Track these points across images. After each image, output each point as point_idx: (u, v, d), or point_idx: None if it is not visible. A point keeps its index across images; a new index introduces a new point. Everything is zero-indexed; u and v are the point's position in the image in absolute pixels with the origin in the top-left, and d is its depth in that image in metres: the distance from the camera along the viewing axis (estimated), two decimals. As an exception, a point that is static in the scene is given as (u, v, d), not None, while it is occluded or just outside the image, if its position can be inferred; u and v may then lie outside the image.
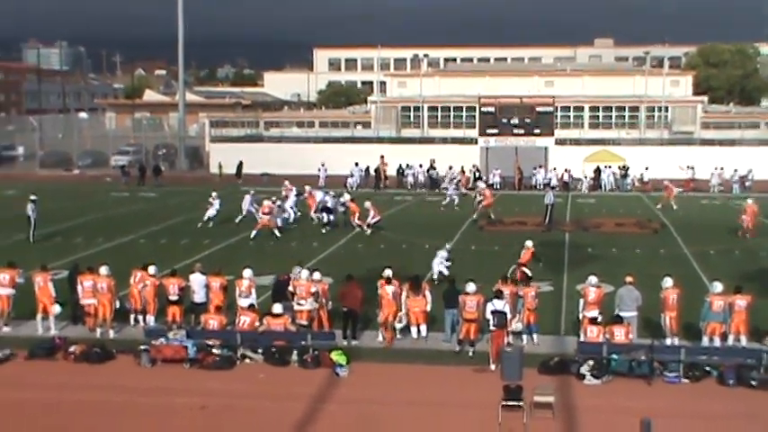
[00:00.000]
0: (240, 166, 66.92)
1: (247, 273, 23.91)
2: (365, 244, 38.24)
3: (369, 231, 40.21)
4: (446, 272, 28.60)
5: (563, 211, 48.61)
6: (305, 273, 23.76)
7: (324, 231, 40.51)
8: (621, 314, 21.82)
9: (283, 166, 67.60)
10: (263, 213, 39.54)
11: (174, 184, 63.75)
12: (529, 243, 29.06)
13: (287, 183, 46.60)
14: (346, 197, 42.93)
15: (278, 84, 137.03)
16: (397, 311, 22.82)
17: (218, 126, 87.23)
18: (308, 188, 44.98)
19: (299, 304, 22.80)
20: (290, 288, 23.40)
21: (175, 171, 74.41)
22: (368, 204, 41.16)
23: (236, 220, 42.50)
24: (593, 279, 23.02)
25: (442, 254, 29.84)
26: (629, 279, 23.25)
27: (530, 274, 26.10)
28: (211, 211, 42.46)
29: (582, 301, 22.70)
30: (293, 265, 25.06)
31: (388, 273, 23.37)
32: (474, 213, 46.19)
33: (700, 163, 64.69)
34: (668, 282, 22.62)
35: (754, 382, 19.19)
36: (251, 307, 22.92)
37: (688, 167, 63.97)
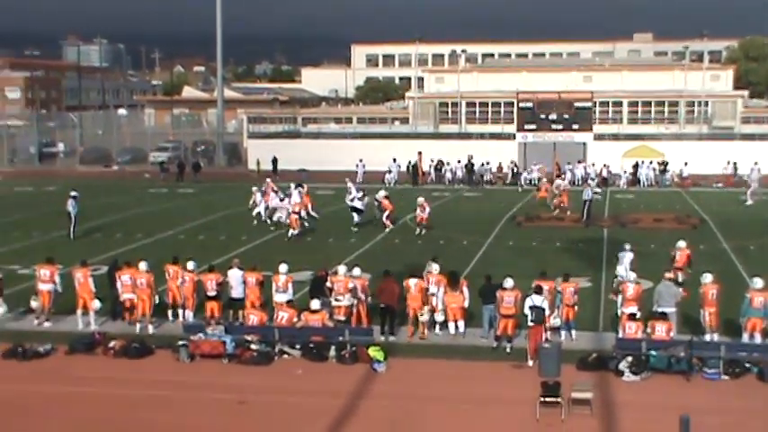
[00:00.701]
0: (275, 161, 67.17)
1: (283, 268, 23.95)
2: (402, 239, 38.24)
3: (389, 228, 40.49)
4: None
5: (601, 206, 48.33)
6: (342, 268, 23.81)
7: (355, 230, 40.15)
8: (661, 310, 21.65)
9: (321, 162, 67.91)
10: (294, 212, 39.29)
11: (213, 180, 64.18)
12: (682, 244, 27.85)
13: (268, 180, 46.01)
14: (381, 194, 42.19)
15: (315, 80, 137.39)
16: (423, 305, 22.81)
17: (256, 122, 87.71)
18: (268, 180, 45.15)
19: (336, 300, 22.85)
20: (328, 284, 23.45)
21: (214, 167, 74.90)
22: (420, 200, 40.69)
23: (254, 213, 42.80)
24: (631, 275, 22.85)
25: (628, 256, 26.51)
26: (667, 275, 23.04)
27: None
28: (260, 207, 42.45)
29: (620, 297, 22.56)
30: (330, 262, 25.10)
31: (434, 266, 23.66)
32: (554, 209, 46.75)
33: (740, 158, 64.05)
34: (708, 277, 22.41)
35: (795, 379, 18.99)
36: (289, 302, 22.99)
37: (728, 163, 63.46)
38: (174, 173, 65.90)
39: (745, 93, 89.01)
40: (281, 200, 41.69)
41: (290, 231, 38.14)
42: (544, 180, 53.01)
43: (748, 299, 21.56)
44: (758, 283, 21.84)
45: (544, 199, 49.40)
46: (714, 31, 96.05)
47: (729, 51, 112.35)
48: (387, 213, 40.71)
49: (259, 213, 42.57)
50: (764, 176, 61.11)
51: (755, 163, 62.24)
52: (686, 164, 62.87)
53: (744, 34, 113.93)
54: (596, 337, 22.50)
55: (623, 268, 25.56)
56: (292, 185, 42.65)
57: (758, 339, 21.33)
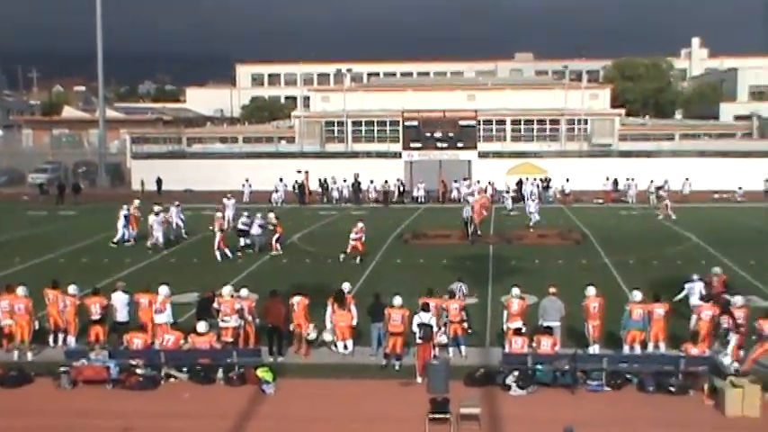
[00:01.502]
0: (159, 182, 66.20)
1: (164, 290, 23.51)
2: (290, 259, 38.08)
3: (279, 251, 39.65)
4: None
5: (487, 223, 49.05)
6: (227, 289, 23.56)
7: (239, 254, 39.06)
8: (546, 324, 22.05)
9: (207, 182, 67.37)
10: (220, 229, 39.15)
11: (95, 202, 62.76)
12: (718, 270, 27.52)
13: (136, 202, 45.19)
14: (271, 216, 41.28)
15: (200, 99, 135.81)
16: (307, 323, 22.86)
17: (140, 142, 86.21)
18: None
19: (223, 321, 22.59)
20: (215, 305, 23.17)
21: (96, 188, 73.27)
22: (360, 225, 38.71)
23: (171, 237, 42.53)
24: (515, 290, 23.23)
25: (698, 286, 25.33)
26: (552, 290, 23.54)
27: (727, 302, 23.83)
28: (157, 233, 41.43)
29: (505, 312, 22.90)
30: (217, 283, 24.82)
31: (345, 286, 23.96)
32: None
33: (618, 174, 66.16)
34: (591, 290, 22.94)
35: (672, 388, 19.56)
36: (172, 325, 22.67)
37: (608, 179, 65.42)
38: (53, 195, 64.24)
39: (622, 111, 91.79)
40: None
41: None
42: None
43: (628, 311, 22.19)
44: (637, 296, 22.51)
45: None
46: (592, 52, 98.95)
47: (606, 71, 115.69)
48: (277, 236, 40.17)
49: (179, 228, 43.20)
50: (640, 192, 63.28)
51: (632, 179, 64.48)
52: (568, 180, 64.50)
53: (619, 54, 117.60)
54: (484, 353, 22.76)
55: (695, 298, 24.49)
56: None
57: (638, 351, 21.95)
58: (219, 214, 41.85)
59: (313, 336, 22.80)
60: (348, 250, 37.22)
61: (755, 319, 21.64)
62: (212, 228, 40.36)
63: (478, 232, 43.85)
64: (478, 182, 64.37)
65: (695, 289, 25.09)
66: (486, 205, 48.63)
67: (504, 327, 22.61)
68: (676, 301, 22.62)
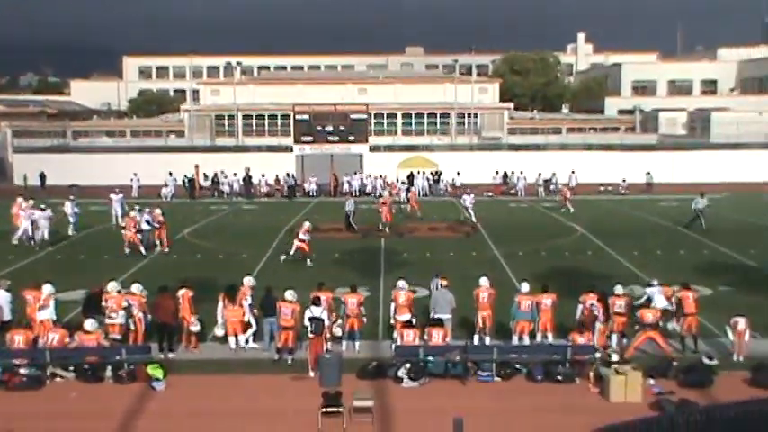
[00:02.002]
0: (43, 177, 64.55)
1: (47, 287, 22.95)
2: (180, 254, 37.61)
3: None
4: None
5: (377, 217, 49.26)
6: (112, 285, 23.15)
7: (127, 251, 37.64)
8: (437, 317, 22.32)
9: (93, 176, 65.87)
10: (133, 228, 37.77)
11: (-25, 198, 60.72)
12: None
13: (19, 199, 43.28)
14: (158, 212, 39.57)
15: (85, 92, 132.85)
16: (192, 315, 22.75)
17: (22, 136, 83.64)
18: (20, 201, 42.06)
19: (110, 318, 22.19)
20: (103, 302, 22.74)
21: (-24, 184, 70.94)
22: (307, 224, 36.51)
23: (69, 232, 41.67)
24: (401, 283, 23.42)
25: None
26: (443, 282, 23.80)
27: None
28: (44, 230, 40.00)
29: (393, 305, 23.09)
30: (104, 279, 24.36)
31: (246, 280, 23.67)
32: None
33: (507, 168, 67.33)
34: (483, 281, 23.30)
35: (559, 377, 20.07)
36: (55, 322, 22.22)
37: (497, 172, 66.49)
38: (-69, 190, 61.96)
39: (511, 105, 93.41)
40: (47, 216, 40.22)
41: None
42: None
43: (516, 302, 22.64)
44: (525, 287, 23.00)
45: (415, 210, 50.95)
46: (481, 46, 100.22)
47: (495, 65, 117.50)
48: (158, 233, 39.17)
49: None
50: (529, 185, 64.51)
51: (521, 172, 65.66)
52: (459, 173, 65.29)
53: (508, 49, 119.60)
54: (376, 346, 22.91)
55: (660, 303, 23.23)
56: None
57: (527, 341, 22.42)
58: (133, 214, 39.65)
59: (196, 328, 22.64)
60: (292, 251, 35.46)
61: (637, 309, 22.39)
62: (123, 225, 39.06)
63: (387, 229, 43.93)
64: (381, 176, 64.67)
65: (655, 294, 23.98)
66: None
67: (392, 320, 22.83)
68: (636, 306, 23.03)
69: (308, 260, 34.86)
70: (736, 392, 18.29)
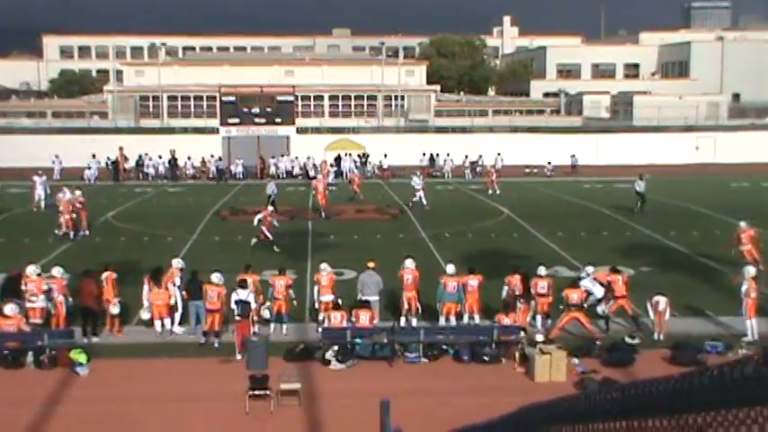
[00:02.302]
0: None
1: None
2: (104, 237, 37.09)
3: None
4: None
5: (305, 199, 49.22)
6: (31, 268, 22.72)
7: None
8: (364, 299, 22.40)
9: (13, 159, 64.49)
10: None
11: None
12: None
13: None
14: (78, 194, 38.36)
15: (3, 72, 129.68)
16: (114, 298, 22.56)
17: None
18: None
19: (29, 301, 21.80)
20: (23, 286, 22.33)
21: None
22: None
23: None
24: (323, 265, 23.46)
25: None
26: (370, 264, 23.89)
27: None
28: None
29: (316, 287, 23.12)
30: (25, 263, 23.91)
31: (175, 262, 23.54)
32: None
33: (434, 150, 67.67)
34: (407, 262, 23.42)
35: (486, 358, 20.31)
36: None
37: (424, 154, 66.79)
38: None
39: (438, 87, 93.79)
40: None
41: None
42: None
43: (443, 284, 22.81)
44: (451, 268, 23.19)
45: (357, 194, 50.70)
46: (408, 29, 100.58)
47: (422, 48, 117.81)
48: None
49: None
50: (456, 167, 64.95)
51: (448, 154, 66.06)
52: (386, 156, 65.38)
53: (435, 32, 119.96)
54: (303, 328, 22.89)
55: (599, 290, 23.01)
56: None
57: (453, 322, 22.63)
58: (61, 195, 38.56)
59: (116, 310, 22.43)
60: (262, 237, 34.18)
61: (562, 289, 22.73)
62: (60, 208, 37.98)
63: (323, 213, 43.39)
64: (309, 158, 64.45)
65: (590, 286, 23.06)
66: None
67: (317, 303, 22.88)
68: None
69: (275, 247, 33.65)
70: (656, 370, 18.71)
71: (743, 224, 30.29)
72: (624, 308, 22.92)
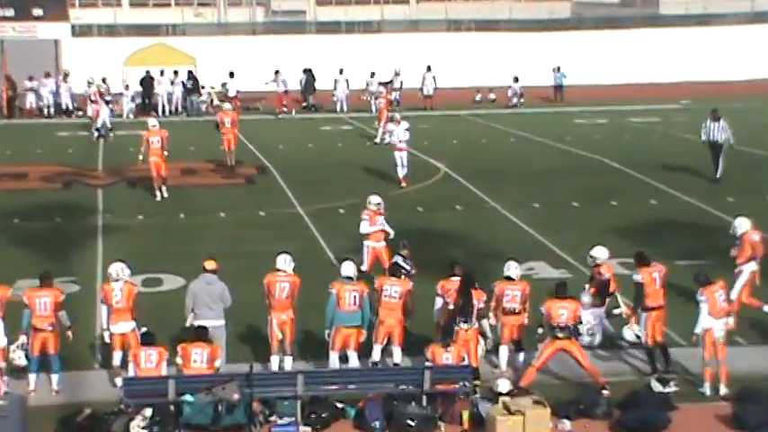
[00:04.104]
0: None
1: None
2: None
3: None
4: None
5: (93, 150, 48.94)
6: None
7: None
8: (197, 323, 22.26)
9: None
10: None
11: None
12: None
13: None
14: None
15: None
16: None
17: None
18: None
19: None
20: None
21: None
22: None
23: None
24: (117, 267, 23.34)
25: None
26: (208, 265, 23.62)
27: None
28: None
29: (104, 307, 22.87)
30: None
31: None
32: None
33: (313, 64, 67.56)
34: (278, 261, 23.16)
35: (410, 422, 19.98)
36: None
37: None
38: None
39: None
40: None
41: None
42: None
43: (335, 296, 22.54)
44: (348, 269, 22.76)
45: None
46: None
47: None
48: None
49: None
50: (356, 93, 64.99)
51: (340, 72, 66.14)
52: (232, 75, 65.12)
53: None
54: (88, 379, 22.61)
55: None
56: None
57: (355, 362, 22.57)
58: None
59: None
60: None
61: (542, 301, 22.75)
62: None
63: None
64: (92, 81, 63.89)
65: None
66: None
67: (106, 335, 22.88)
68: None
69: None
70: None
71: None
72: (655, 328, 22.23)
